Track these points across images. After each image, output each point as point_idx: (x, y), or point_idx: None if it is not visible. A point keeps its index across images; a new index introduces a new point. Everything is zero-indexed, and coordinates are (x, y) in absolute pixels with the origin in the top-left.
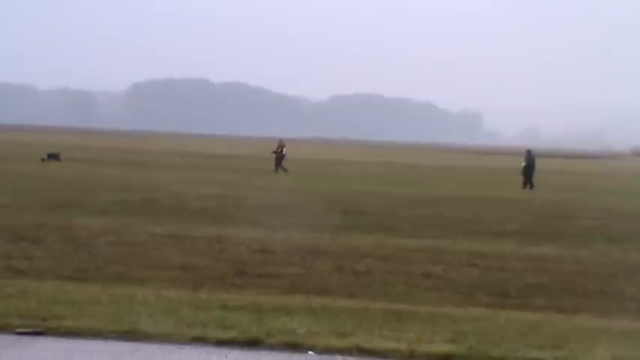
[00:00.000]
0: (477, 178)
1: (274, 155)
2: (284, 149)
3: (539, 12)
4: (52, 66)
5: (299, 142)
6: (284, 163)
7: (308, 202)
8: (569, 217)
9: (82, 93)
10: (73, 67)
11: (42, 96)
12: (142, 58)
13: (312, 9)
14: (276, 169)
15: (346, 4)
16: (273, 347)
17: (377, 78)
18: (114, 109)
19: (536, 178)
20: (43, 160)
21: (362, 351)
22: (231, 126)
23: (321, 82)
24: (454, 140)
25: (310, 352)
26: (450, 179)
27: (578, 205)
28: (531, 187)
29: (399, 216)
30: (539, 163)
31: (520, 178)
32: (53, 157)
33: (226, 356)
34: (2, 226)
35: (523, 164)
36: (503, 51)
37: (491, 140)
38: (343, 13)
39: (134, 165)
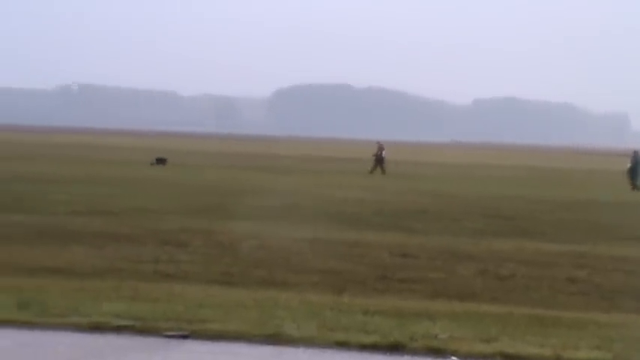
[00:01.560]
0: (618, 182)
1: (374, 158)
2: (383, 152)
3: None
4: (196, 73)
5: (438, 146)
6: (384, 166)
7: (448, 206)
8: None
9: (226, 99)
10: (217, 74)
11: (186, 102)
12: (285, 64)
13: (456, 13)
14: (372, 171)
15: (489, 7)
16: (415, 352)
17: (516, 81)
18: (257, 115)
19: None
20: (151, 164)
21: (506, 357)
22: (372, 130)
23: (461, 86)
24: (599, 143)
25: (453, 358)
26: (591, 182)
27: None
28: (634, 188)
29: (540, 220)
30: None
31: (626, 180)
32: (161, 161)
33: None
34: (149, 231)
35: (628, 165)
36: None
37: None
38: (484, 16)
39: (275, 170)
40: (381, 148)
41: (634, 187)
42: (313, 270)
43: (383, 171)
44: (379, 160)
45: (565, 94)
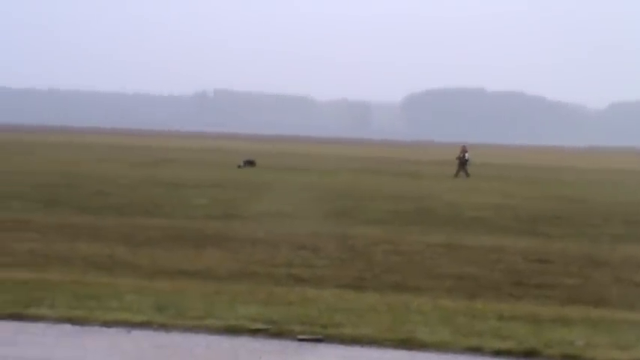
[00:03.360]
0: None
1: (458, 161)
2: (466, 154)
3: None
4: (330, 78)
5: (575, 150)
6: (467, 168)
7: (586, 211)
8: None
9: (359, 104)
10: (351, 79)
11: (320, 107)
12: (417, 68)
13: (594, 14)
14: (456, 175)
15: (631, 9)
16: (550, 358)
17: None
18: (390, 120)
19: None
20: (239, 166)
21: None
22: (506, 135)
23: (599, 89)
24: None
25: None
26: None
27: None
28: None
29: None
30: None
31: None
32: (249, 163)
33: None
34: (281, 235)
35: None
36: None
37: None
38: (624, 17)
39: (410, 175)
40: (464, 150)
41: None
42: (446, 275)
43: (467, 174)
44: (462, 163)
45: None
